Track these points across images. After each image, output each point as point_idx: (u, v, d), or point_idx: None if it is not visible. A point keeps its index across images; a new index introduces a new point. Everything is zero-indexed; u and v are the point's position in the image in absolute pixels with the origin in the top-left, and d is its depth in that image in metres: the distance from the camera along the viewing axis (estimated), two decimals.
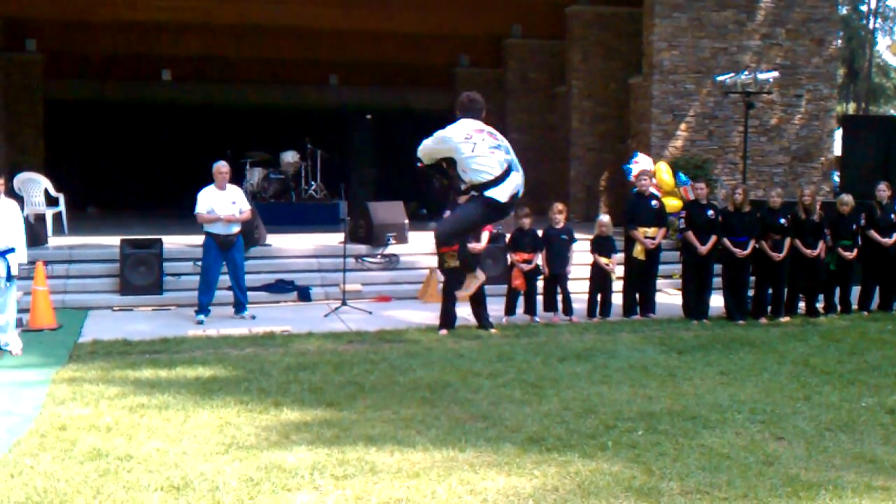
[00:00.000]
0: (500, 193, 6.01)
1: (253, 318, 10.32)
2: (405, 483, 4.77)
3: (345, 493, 4.63)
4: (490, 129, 6.21)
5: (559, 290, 10.49)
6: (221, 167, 10.32)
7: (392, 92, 23.58)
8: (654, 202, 10.99)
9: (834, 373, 7.65)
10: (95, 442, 5.46)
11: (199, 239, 10.50)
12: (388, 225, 13.00)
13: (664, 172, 14.20)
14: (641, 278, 10.81)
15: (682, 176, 14.06)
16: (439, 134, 6.17)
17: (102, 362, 7.88)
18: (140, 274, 11.34)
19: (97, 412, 6.15)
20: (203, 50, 20.84)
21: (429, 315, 10.48)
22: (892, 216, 11.30)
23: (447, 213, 7.11)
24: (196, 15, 18.42)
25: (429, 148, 6.25)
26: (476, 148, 5.98)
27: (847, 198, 11.27)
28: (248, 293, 10.80)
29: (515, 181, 6.08)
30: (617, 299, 10.83)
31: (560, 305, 10.49)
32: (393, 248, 12.87)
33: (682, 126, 15.94)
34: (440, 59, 22.38)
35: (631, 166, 14.18)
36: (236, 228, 10.28)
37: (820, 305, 11.02)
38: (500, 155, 6.04)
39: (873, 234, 11.20)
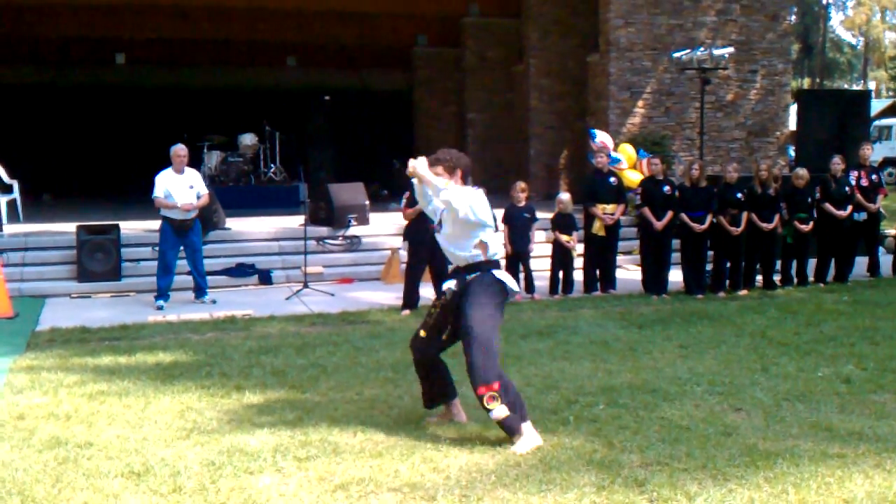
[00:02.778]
0: (506, 278, 5.28)
1: (213, 302, 10.26)
2: (368, 462, 4.78)
3: (307, 474, 4.63)
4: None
5: (521, 268, 10.53)
6: (179, 150, 10.21)
7: (350, 73, 23.44)
8: (612, 179, 11.08)
9: (791, 344, 7.78)
10: (54, 430, 5.40)
11: (158, 224, 10.39)
12: (348, 206, 12.95)
13: (629, 148, 14.32)
14: (601, 255, 10.90)
15: (642, 151, 14.17)
16: (479, 215, 5.09)
17: (61, 350, 7.78)
18: (97, 260, 11.21)
19: (56, 400, 6.08)
20: (158, 33, 20.52)
21: (391, 296, 10.49)
22: (847, 189, 11.49)
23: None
24: None
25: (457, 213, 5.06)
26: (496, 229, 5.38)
27: (802, 171, 11.42)
28: (209, 278, 10.74)
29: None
30: (578, 276, 10.91)
31: (522, 283, 10.53)
32: (354, 230, 12.83)
33: (640, 103, 16.02)
34: (398, 40, 22.26)
35: (595, 133, 14.30)
36: (194, 213, 10.18)
37: (777, 278, 11.18)
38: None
39: (828, 206, 11.37)
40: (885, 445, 5.05)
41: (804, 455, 4.88)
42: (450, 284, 5.30)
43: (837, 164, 11.54)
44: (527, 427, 5.05)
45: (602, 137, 14.19)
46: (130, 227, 12.16)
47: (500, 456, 4.90)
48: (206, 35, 20.93)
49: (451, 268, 5.44)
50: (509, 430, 5.01)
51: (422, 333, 5.36)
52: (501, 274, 5.28)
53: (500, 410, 4.97)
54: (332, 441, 5.14)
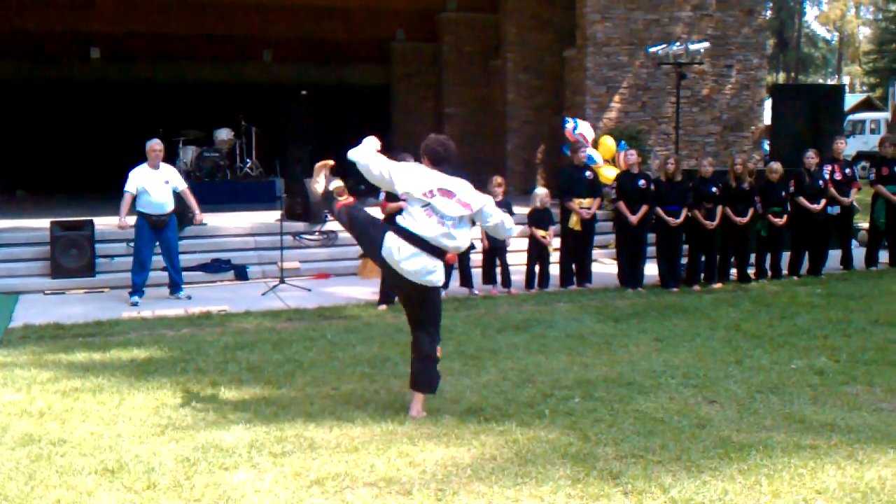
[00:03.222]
0: (403, 248, 5.36)
1: (189, 298, 10.20)
2: (344, 458, 4.78)
3: (283, 469, 4.62)
4: (462, 195, 5.45)
5: (498, 262, 10.54)
6: (154, 145, 10.14)
7: (327, 67, 23.35)
8: (588, 173, 11.10)
9: (765, 336, 7.85)
10: (27, 427, 5.35)
11: (132, 220, 10.31)
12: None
13: (609, 140, 14.36)
14: (577, 249, 10.93)
15: (622, 143, 14.20)
16: (393, 169, 5.54)
17: (34, 347, 7.71)
18: (71, 256, 11.11)
19: (29, 397, 6.03)
20: (133, 27, 20.33)
21: (368, 291, 10.47)
22: (820, 183, 11.58)
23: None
24: None
25: (369, 172, 5.62)
26: (428, 211, 5.38)
27: (776, 165, 11.49)
28: (184, 273, 10.67)
29: (425, 263, 5.37)
30: (554, 270, 10.94)
31: (499, 278, 10.55)
32: (330, 225, 12.79)
33: (616, 98, 16.08)
34: (375, 34, 22.19)
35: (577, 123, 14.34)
36: (169, 208, 10.11)
37: (751, 271, 11.26)
38: (447, 231, 5.37)
39: (802, 200, 11.46)
40: (857, 437, 5.11)
41: (777, 447, 4.92)
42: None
43: (811, 157, 11.63)
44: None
45: (582, 129, 14.21)
46: (105, 223, 12.04)
47: (476, 450, 4.91)
48: (182, 29, 20.76)
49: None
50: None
51: None
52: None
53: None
54: (307, 436, 5.13)
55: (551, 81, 17.86)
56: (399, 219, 5.53)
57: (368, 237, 5.65)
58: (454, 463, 4.71)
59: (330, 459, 4.76)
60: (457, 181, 5.52)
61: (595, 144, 14.24)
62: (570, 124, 14.39)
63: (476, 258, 10.62)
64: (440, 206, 5.39)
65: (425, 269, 5.40)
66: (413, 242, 5.37)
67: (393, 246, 5.39)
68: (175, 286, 10.34)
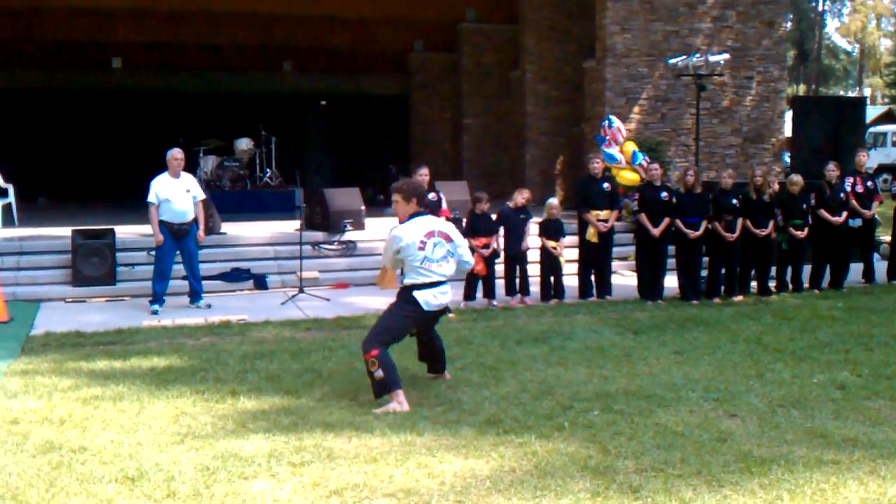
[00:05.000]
0: (428, 298, 6.20)
1: (209, 307, 10.24)
2: (363, 468, 4.78)
3: (302, 479, 4.62)
4: (441, 225, 6.37)
5: (518, 272, 10.53)
6: (176, 154, 10.20)
7: (346, 78, 23.46)
8: (605, 184, 11.07)
9: (786, 350, 7.78)
10: (48, 435, 5.39)
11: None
12: (344, 211, 12.96)
13: (632, 146, 14.35)
14: (596, 260, 10.89)
15: (637, 154, 14.14)
16: (392, 234, 6.30)
17: (55, 354, 7.77)
18: (92, 265, 11.19)
19: (50, 405, 6.07)
20: (154, 37, 20.55)
21: (387, 301, 10.34)
22: (841, 195, 11.51)
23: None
24: (147, 1, 18.15)
25: (387, 259, 6.43)
26: (427, 254, 6.18)
27: (797, 178, 11.44)
28: (204, 282, 10.72)
29: (445, 294, 6.30)
30: (570, 281, 10.91)
31: (518, 286, 10.55)
32: (350, 235, 12.83)
33: (636, 109, 16.07)
34: (394, 45, 22.31)
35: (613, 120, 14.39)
36: (190, 217, 10.17)
37: (772, 284, 11.19)
38: (446, 267, 6.27)
39: (823, 213, 11.39)
40: (879, 452, 5.05)
41: (799, 461, 4.88)
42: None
43: (832, 170, 11.56)
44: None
45: (618, 124, 14.23)
46: (126, 232, 12.14)
47: (495, 462, 4.90)
48: (203, 39, 20.96)
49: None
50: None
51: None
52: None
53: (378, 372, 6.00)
54: (326, 446, 5.13)
55: (570, 93, 17.88)
56: (412, 281, 6.23)
57: (404, 322, 6.35)
58: (473, 475, 4.70)
59: (349, 470, 4.75)
60: (428, 219, 6.37)
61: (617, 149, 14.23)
62: (607, 122, 14.43)
63: (497, 269, 10.60)
64: (435, 247, 6.23)
65: (450, 293, 6.44)
66: (438, 284, 6.26)
67: (429, 298, 6.21)
68: (195, 295, 10.38)
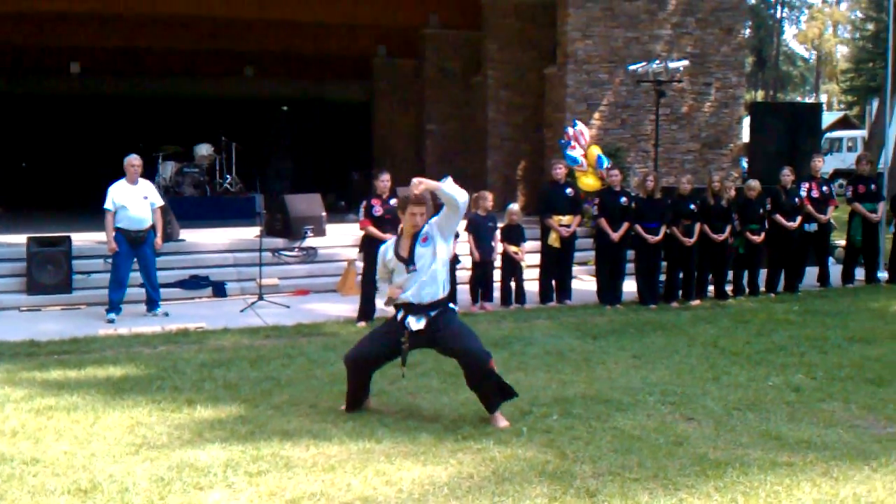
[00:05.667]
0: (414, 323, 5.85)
1: (166, 315, 10.13)
2: (320, 477, 4.75)
3: (258, 489, 4.59)
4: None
5: (483, 277, 10.56)
6: (133, 161, 10.09)
7: (308, 83, 23.39)
8: (568, 190, 11.15)
9: (742, 353, 7.88)
10: (0, 447, 5.30)
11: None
12: (305, 218, 12.88)
13: (596, 150, 14.40)
14: (557, 266, 10.95)
15: (603, 159, 14.19)
16: (382, 249, 6.12)
17: (8, 364, 7.63)
18: (48, 273, 11.01)
19: (2, 416, 5.96)
20: (114, 41, 20.28)
21: (347, 307, 10.44)
22: (796, 200, 11.67)
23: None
24: (106, 5, 17.91)
25: (459, 209, 5.96)
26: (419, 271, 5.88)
27: (754, 183, 11.58)
28: (162, 290, 10.61)
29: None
30: (530, 286, 10.95)
31: (481, 292, 10.57)
32: (310, 241, 12.75)
33: (596, 115, 16.16)
34: (357, 50, 22.24)
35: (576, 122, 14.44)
36: (147, 224, 10.05)
37: (729, 288, 11.32)
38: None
39: (779, 217, 11.54)
40: (832, 453, 5.13)
41: (754, 464, 4.93)
42: (417, 325, 5.84)
43: (787, 175, 11.73)
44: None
45: (581, 127, 14.29)
46: (82, 239, 11.97)
47: (453, 468, 4.89)
48: (163, 44, 20.74)
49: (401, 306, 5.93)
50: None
51: (369, 359, 5.96)
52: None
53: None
54: (284, 455, 5.10)
55: (532, 98, 17.92)
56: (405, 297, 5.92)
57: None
58: (431, 482, 4.69)
59: (306, 479, 4.73)
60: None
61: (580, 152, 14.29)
62: (571, 125, 14.50)
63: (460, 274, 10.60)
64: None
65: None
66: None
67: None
68: (152, 303, 10.26)
